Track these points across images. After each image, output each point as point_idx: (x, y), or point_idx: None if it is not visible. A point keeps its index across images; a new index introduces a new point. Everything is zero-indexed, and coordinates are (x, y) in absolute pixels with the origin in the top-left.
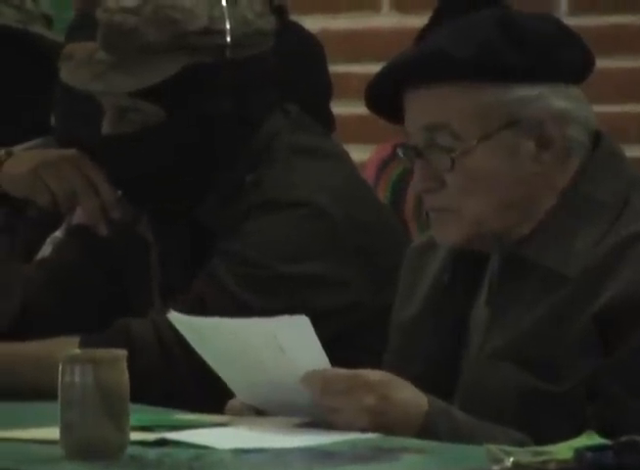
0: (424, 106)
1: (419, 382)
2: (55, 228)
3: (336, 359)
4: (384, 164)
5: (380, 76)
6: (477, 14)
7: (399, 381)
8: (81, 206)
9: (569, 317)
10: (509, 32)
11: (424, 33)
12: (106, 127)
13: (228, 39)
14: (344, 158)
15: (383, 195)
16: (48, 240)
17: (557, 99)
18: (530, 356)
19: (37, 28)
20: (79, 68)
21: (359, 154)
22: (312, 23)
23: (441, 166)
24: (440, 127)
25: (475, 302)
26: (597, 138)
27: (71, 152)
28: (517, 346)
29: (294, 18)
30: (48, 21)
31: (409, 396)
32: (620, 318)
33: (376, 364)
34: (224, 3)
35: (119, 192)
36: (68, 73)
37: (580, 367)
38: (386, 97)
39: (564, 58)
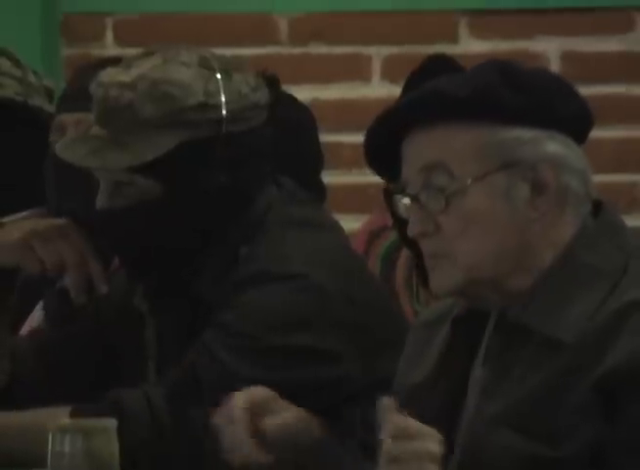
0: (421, 147)
1: None
2: (43, 293)
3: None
4: (373, 236)
5: (377, 123)
6: (476, 65)
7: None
8: (69, 277)
9: (568, 384)
10: (506, 76)
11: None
12: (101, 201)
13: (224, 114)
14: (337, 230)
15: (373, 266)
16: (37, 306)
17: (551, 143)
18: (529, 423)
19: (37, 101)
20: (75, 143)
21: (349, 224)
22: (303, 93)
23: (436, 207)
24: (436, 166)
25: (474, 363)
26: (598, 207)
27: (62, 221)
28: (515, 412)
29: (284, 87)
30: (49, 93)
31: None
32: (624, 387)
33: (365, 438)
34: (219, 77)
35: (114, 264)
36: (63, 149)
37: (580, 433)
38: (384, 148)
39: (559, 106)
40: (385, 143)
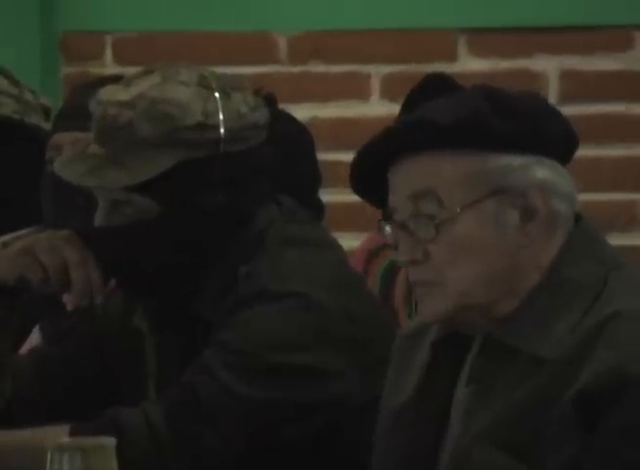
0: (409, 175)
1: (400, 465)
2: (42, 316)
3: (325, 451)
4: (372, 254)
5: (364, 151)
6: (462, 91)
7: None
8: (71, 277)
9: (548, 400)
10: (494, 102)
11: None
12: (99, 219)
13: (222, 133)
14: (337, 248)
15: (372, 284)
16: (35, 329)
17: (540, 169)
18: (511, 439)
19: (34, 119)
20: (72, 161)
21: (348, 242)
22: (302, 111)
23: (425, 236)
24: (425, 194)
25: (458, 383)
26: (577, 220)
27: (64, 231)
28: (498, 428)
29: (283, 106)
30: (46, 111)
31: None
32: (600, 400)
33: (365, 456)
34: (218, 97)
35: (113, 281)
36: (61, 167)
37: (562, 449)
38: (371, 176)
39: (547, 131)
40: (371, 169)
